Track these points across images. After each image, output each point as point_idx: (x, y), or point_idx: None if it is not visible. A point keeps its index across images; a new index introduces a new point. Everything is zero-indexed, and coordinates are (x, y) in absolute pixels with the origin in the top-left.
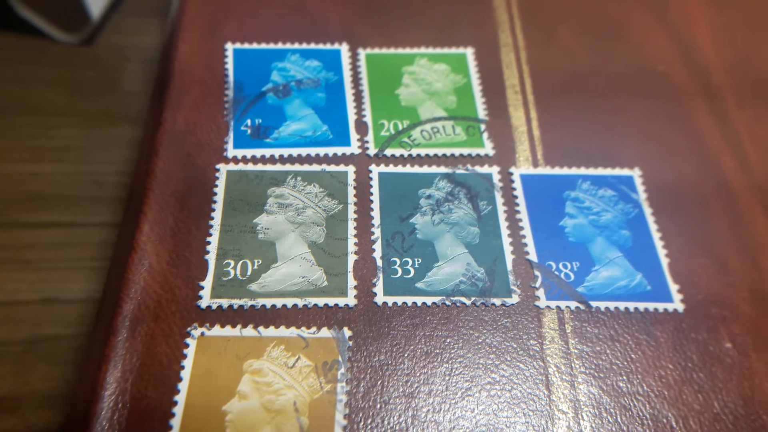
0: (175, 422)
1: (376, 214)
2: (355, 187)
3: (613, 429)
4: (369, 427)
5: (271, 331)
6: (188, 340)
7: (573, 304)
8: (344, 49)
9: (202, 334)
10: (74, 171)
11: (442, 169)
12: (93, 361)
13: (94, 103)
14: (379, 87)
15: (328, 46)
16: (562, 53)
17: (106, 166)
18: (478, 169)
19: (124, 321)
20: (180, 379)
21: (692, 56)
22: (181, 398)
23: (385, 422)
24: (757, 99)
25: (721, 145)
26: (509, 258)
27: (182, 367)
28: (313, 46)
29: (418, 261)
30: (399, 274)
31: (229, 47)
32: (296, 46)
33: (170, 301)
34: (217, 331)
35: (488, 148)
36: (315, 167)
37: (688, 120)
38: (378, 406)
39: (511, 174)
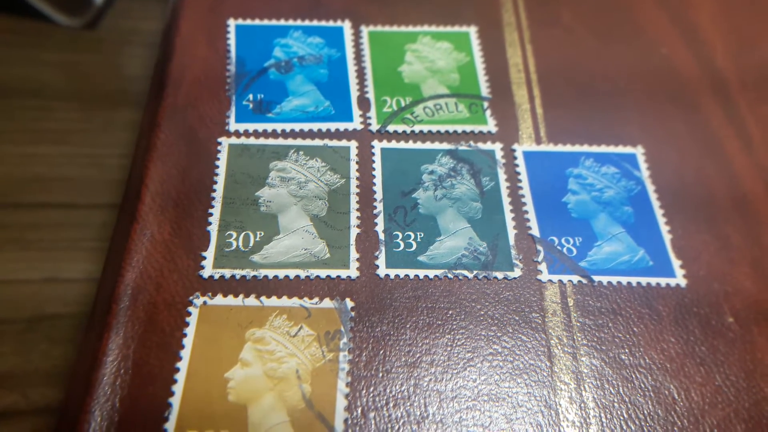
0: (177, 388)
1: (378, 188)
2: (357, 162)
3: (615, 400)
4: (371, 395)
5: (273, 301)
6: (190, 309)
7: (575, 278)
8: (347, 26)
9: (204, 303)
10: (75, 153)
11: (445, 146)
12: (95, 329)
13: (96, 86)
14: (382, 64)
15: (331, 23)
16: (565, 34)
17: (107, 148)
18: (480, 145)
19: (126, 289)
20: (182, 347)
21: (695, 39)
22: (183, 365)
23: (387, 390)
24: (760, 81)
25: (724, 125)
26: (511, 233)
27: (184, 335)
28: (315, 22)
29: (420, 235)
30: (401, 248)
31: (231, 23)
32: (298, 22)
33: (172, 270)
34: (219, 300)
35: (491, 125)
36: (317, 142)
37: (691, 100)
38: (380, 374)
39: (514, 151)
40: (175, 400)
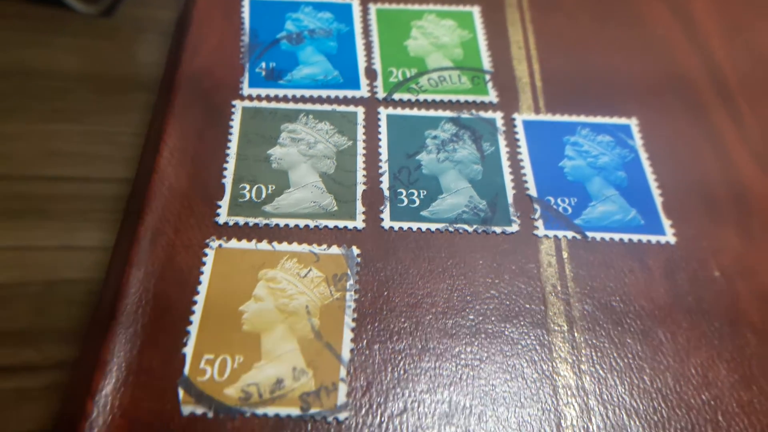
0: (195, 318)
1: (383, 150)
2: (364, 126)
3: (606, 341)
4: (376, 329)
5: (284, 246)
6: (207, 251)
7: (570, 234)
8: (355, 3)
9: (220, 246)
10: (90, 131)
11: (448, 113)
12: (117, 265)
13: (111, 70)
14: (389, 38)
15: (340, 0)
16: (565, 16)
17: (121, 127)
18: (482, 114)
19: (146, 232)
20: (199, 283)
21: (690, 22)
22: (200, 299)
23: (391, 326)
24: (750, 60)
25: (714, 97)
26: (510, 193)
27: (201, 273)
28: None
29: (423, 192)
30: (405, 204)
31: None
32: None
33: (189, 216)
34: (233, 244)
35: (492, 96)
36: (326, 107)
37: (684, 76)
38: (384, 312)
39: (514, 119)
40: (193, 329)
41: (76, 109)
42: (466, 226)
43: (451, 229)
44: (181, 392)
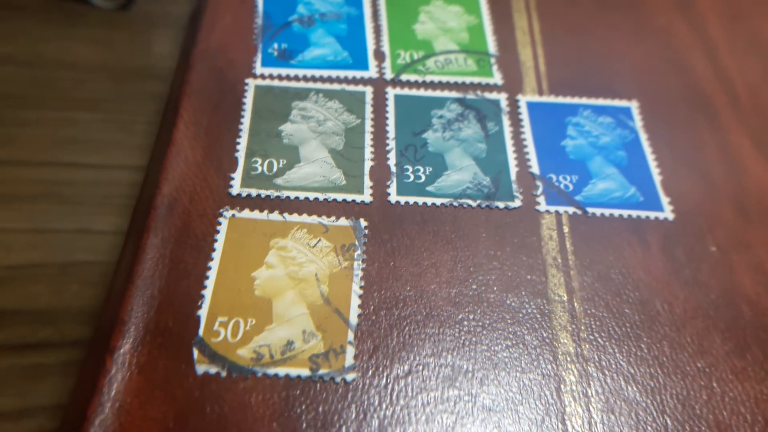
0: (209, 282)
1: (391, 128)
2: (372, 105)
3: (605, 310)
4: (382, 297)
5: (294, 217)
6: (220, 219)
7: (571, 210)
8: None
9: (233, 215)
10: (106, 119)
11: (454, 94)
12: (135, 232)
13: (126, 61)
14: (397, 22)
15: None
16: (568, 3)
17: (135, 116)
18: (486, 95)
19: (163, 200)
20: (213, 250)
21: (690, 10)
22: (214, 264)
23: (396, 294)
24: (747, 46)
25: (713, 82)
26: (513, 170)
27: (215, 240)
28: None
29: (429, 169)
30: (411, 179)
31: None
32: None
33: (204, 187)
34: (246, 213)
35: (497, 78)
36: (336, 86)
37: (683, 62)
38: (390, 281)
39: (518, 101)
40: (208, 292)
41: (92, 98)
42: (470, 201)
43: (455, 203)
44: (195, 352)
